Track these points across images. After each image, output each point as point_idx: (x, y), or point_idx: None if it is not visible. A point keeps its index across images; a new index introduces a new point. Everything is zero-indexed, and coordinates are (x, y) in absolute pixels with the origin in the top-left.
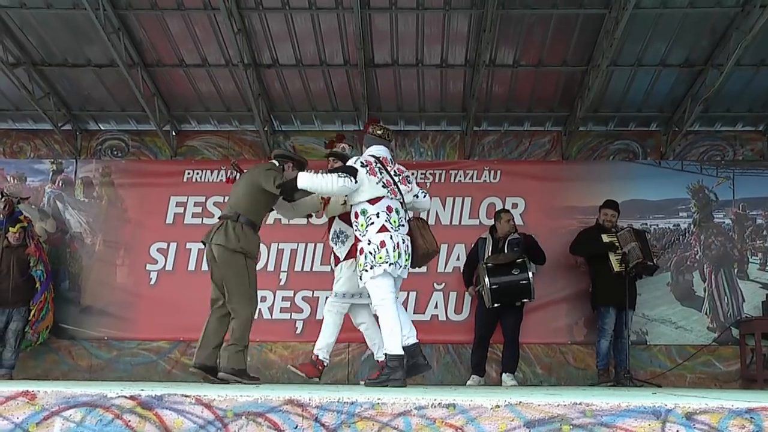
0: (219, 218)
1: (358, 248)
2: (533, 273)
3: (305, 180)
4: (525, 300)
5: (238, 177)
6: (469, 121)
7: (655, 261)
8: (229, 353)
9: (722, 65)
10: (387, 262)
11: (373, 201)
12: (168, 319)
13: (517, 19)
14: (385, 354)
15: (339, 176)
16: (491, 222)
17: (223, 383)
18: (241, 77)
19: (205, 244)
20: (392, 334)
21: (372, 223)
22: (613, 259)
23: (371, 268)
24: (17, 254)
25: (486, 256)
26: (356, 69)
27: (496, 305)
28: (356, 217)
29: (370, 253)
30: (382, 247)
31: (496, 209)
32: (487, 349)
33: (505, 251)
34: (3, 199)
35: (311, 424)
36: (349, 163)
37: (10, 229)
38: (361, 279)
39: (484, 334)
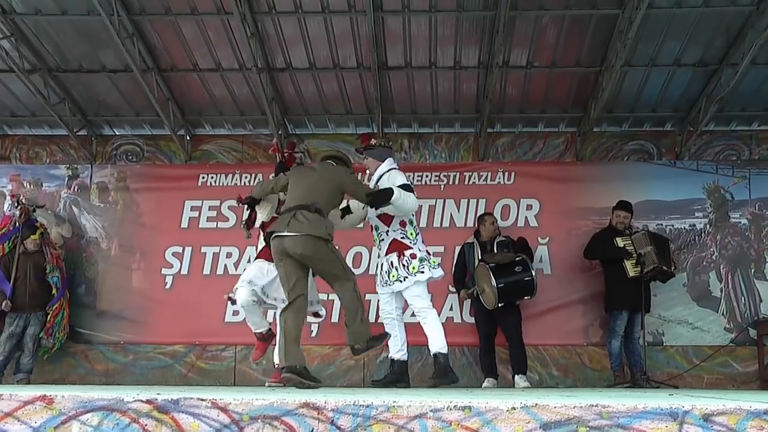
0: (291, 209)
1: (408, 254)
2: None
3: (398, 196)
4: (527, 297)
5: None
6: (482, 122)
7: (672, 269)
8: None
9: (737, 64)
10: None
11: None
12: (183, 323)
13: (530, 20)
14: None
15: (413, 194)
16: (506, 223)
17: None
18: (254, 81)
19: (274, 236)
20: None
21: (419, 234)
22: (628, 264)
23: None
24: (34, 260)
25: (477, 260)
26: (369, 72)
27: (500, 304)
28: (403, 225)
29: (420, 260)
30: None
31: (481, 215)
32: (494, 351)
33: (494, 253)
34: (19, 207)
35: (327, 428)
36: (400, 180)
37: (31, 236)
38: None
39: (487, 337)
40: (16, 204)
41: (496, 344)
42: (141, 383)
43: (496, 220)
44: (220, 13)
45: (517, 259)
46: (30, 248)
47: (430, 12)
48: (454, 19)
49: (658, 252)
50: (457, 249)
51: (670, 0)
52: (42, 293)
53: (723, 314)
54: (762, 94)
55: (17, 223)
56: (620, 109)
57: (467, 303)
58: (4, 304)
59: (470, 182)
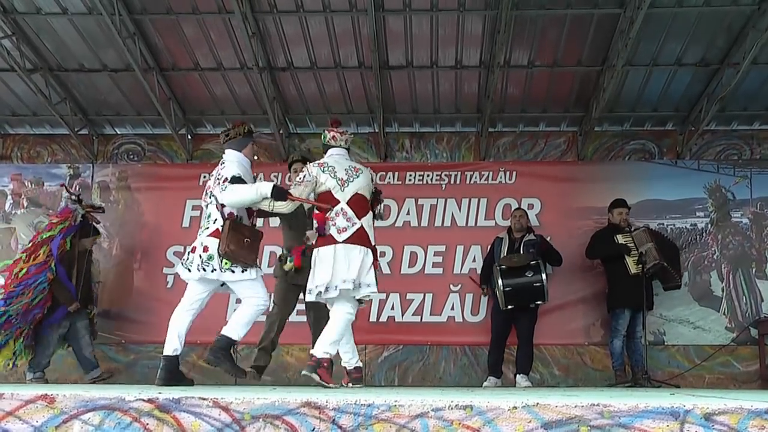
0: None
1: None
2: (547, 275)
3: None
4: (538, 302)
5: None
6: (484, 122)
7: (679, 278)
8: None
9: (738, 64)
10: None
11: None
12: None
13: (532, 19)
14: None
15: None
16: (507, 223)
17: None
18: (255, 80)
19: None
20: None
21: None
22: (630, 261)
23: None
24: (88, 261)
25: (501, 256)
26: (371, 71)
27: (509, 307)
28: None
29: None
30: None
31: (512, 210)
32: (504, 350)
33: (521, 252)
34: (85, 204)
35: (328, 427)
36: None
37: (94, 237)
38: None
39: (499, 335)
40: (76, 199)
41: (506, 344)
42: (142, 382)
43: (524, 215)
44: (221, 12)
45: (531, 263)
46: (87, 248)
47: (432, 11)
48: (456, 19)
49: (658, 248)
50: (459, 248)
51: None
52: (87, 297)
53: (724, 314)
54: (763, 93)
55: (81, 220)
56: (621, 109)
57: (468, 302)
58: (74, 306)
59: (471, 182)
